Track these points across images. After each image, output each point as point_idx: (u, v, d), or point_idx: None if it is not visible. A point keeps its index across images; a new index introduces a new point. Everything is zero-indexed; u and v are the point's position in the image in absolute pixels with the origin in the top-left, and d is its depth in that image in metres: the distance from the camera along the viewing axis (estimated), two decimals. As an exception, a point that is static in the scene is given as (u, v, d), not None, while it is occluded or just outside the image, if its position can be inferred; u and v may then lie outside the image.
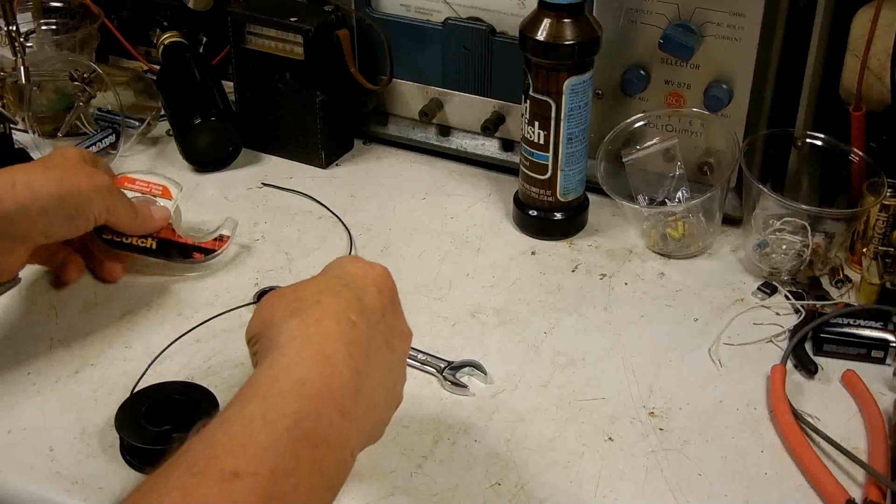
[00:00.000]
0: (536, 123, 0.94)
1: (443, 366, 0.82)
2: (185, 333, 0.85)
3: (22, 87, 1.06)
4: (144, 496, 0.49)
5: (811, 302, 0.88)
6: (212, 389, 0.77)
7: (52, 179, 0.80)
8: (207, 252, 0.92)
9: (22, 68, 1.05)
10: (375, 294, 0.63)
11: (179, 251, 0.91)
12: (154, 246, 0.90)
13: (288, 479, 0.51)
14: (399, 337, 0.65)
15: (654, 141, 0.97)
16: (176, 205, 0.94)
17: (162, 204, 0.92)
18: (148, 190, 0.94)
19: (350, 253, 0.96)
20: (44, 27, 1.20)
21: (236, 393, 0.55)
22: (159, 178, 0.95)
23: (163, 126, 1.15)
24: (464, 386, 0.80)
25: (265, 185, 1.07)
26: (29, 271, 0.90)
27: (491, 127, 1.05)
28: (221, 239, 0.93)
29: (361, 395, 0.58)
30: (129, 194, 0.90)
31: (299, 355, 0.57)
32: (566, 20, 0.89)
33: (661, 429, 0.77)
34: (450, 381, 0.80)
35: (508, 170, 1.07)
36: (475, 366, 0.82)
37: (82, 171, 0.83)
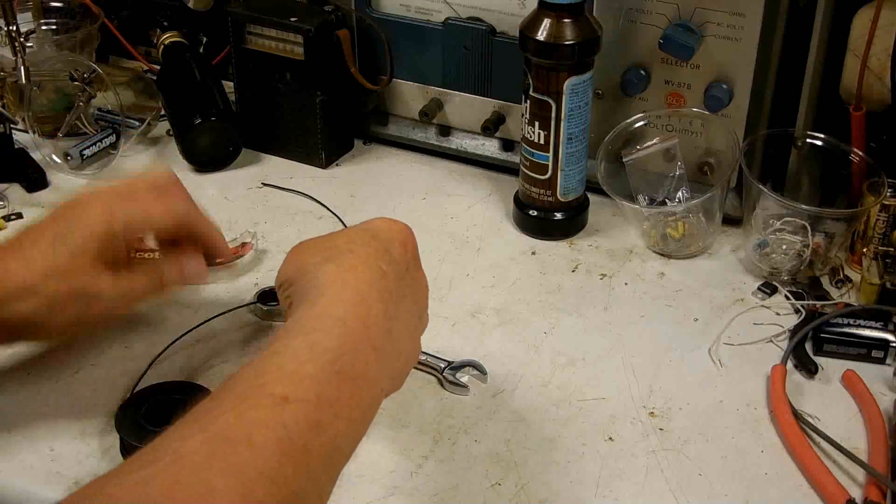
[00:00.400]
0: (536, 123, 0.94)
1: (443, 366, 0.82)
2: (185, 333, 0.85)
3: (22, 87, 1.06)
4: (201, 415, 0.51)
5: (811, 302, 0.88)
6: (212, 389, 0.76)
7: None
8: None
9: (22, 68, 1.05)
10: (400, 248, 0.66)
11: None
12: None
13: (331, 407, 0.54)
14: (421, 291, 0.69)
15: (654, 141, 0.97)
16: None
17: None
18: None
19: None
20: (44, 27, 1.20)
21: (278, 331, 0.58)
22: None
23: (163, 126, 1.15)
24: (464, 386, 0.80)
25: (265, 185, 1.07)
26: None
27: (491, 127, 1.05)
28: (243, 246, 0.93)
29: (391, 337, 0.61)
30: None
31: (338, 297, 0.60)
32: (566, 20, 0.89)
33: (661, 429, 0.77)
34: (450, 381, 0.80)
35: (508, 170, 1.07)
36: (475, 366, 0.82)
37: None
